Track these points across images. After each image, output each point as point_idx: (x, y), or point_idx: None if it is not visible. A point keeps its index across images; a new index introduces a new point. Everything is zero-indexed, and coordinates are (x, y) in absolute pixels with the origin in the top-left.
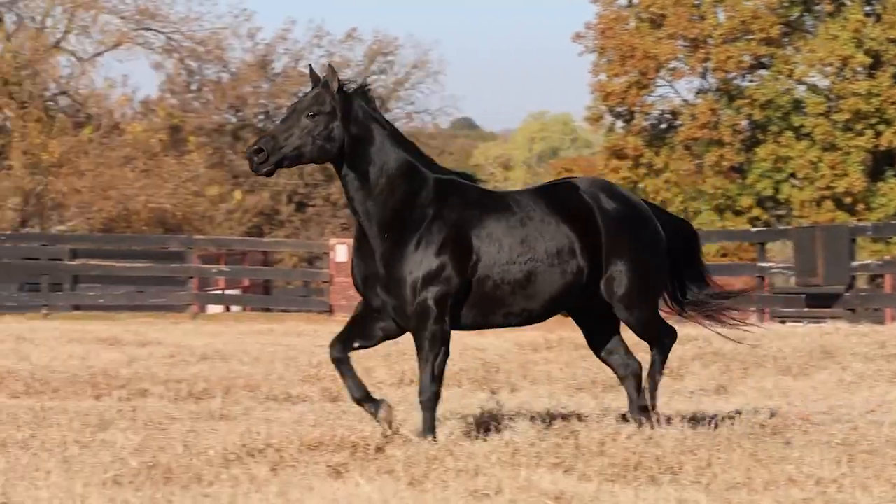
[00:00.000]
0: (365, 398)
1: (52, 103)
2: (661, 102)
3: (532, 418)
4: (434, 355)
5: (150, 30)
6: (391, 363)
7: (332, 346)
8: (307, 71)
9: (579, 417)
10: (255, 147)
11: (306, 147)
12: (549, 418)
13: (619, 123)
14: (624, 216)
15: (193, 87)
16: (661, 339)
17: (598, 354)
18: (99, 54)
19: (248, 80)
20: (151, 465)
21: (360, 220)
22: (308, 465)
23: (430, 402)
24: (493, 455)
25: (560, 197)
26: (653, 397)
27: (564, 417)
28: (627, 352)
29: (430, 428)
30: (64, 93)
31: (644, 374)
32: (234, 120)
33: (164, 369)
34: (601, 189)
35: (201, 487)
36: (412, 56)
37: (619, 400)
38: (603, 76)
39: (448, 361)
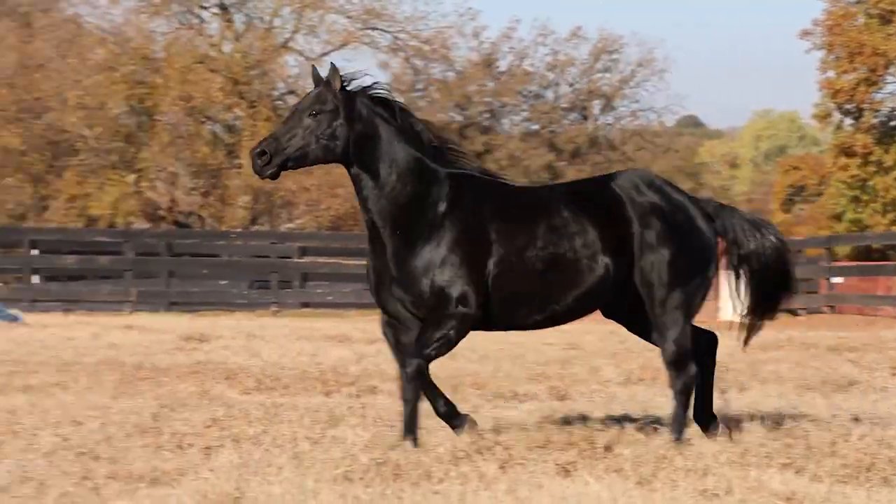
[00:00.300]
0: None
1: (280, 102)
2: (890, 100)
3: (761, 418)
4: (441, 333)
5: (377, 29)
6: (619, 361)
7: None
8: (530, 69)
9: (809, 417)
10: (259, 149)
11: (310, 147)
12: (778, 418)
13: (848, 121)
14: (659, 209)
15: (419, 86)
16: (685, 373)
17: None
18: (326, 54)
19: (473, 79)
20: (381, 462)
21: (374, 218)
22: (536, 463)
23: (414, 373)
24: (723, 455)
25: (587, 191)
26: (675, 430)
27: (794, 417)
28: (702, 330)
29: (425, 399)
30: (292, 92)
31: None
32: (459, 118)
33: (392, 366)
34: (637, 181)
35: (430, 484)
36: (637, 54)
37: (850, 400)
38: (831, 73)
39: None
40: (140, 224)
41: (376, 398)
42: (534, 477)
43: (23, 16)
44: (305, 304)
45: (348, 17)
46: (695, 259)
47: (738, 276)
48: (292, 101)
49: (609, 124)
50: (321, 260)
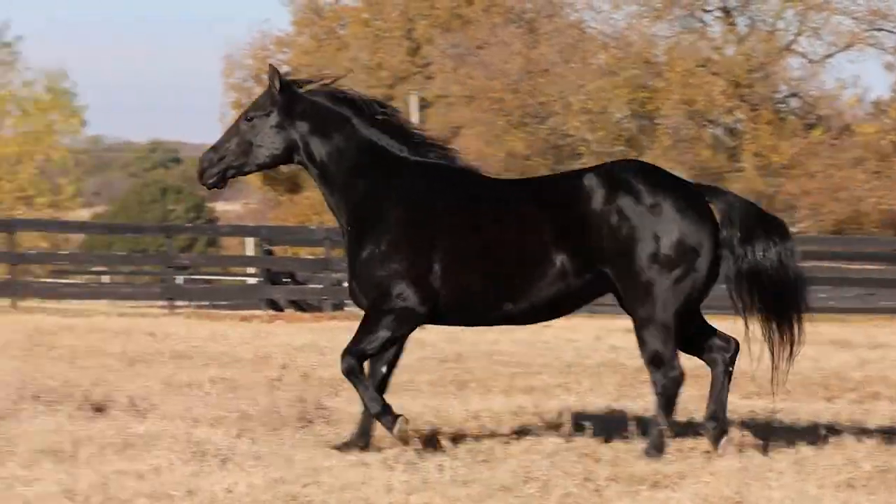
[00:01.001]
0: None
1: (782, 105)
2: None
3: None
4: (378, 328)
5: (882, 30)
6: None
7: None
8: None
9: None
10: (200, 159)
11: (249, 153)
12: None
13: None
14: (630, 203)
15: None
16: (661, 372)
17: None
18: (830, 56)
19: None
20: (884, 470)
21: (334, 214)
22: None
23: (347, 370)
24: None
25: (552, 188)
26: (654, 446)
27: None
28: (718, 334)
29: (366, 400)
30: (794, 94)
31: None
32: None
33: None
34: (616, 177)
35: None
36: None
37: None
38: None
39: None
40: None
41: (878, 404)
42: None
43: (528, 22)
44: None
45: (853, 18)
46: (671, 254)
47: (730, 281)
48: (795, 104)
49: None
50: (823, 264)
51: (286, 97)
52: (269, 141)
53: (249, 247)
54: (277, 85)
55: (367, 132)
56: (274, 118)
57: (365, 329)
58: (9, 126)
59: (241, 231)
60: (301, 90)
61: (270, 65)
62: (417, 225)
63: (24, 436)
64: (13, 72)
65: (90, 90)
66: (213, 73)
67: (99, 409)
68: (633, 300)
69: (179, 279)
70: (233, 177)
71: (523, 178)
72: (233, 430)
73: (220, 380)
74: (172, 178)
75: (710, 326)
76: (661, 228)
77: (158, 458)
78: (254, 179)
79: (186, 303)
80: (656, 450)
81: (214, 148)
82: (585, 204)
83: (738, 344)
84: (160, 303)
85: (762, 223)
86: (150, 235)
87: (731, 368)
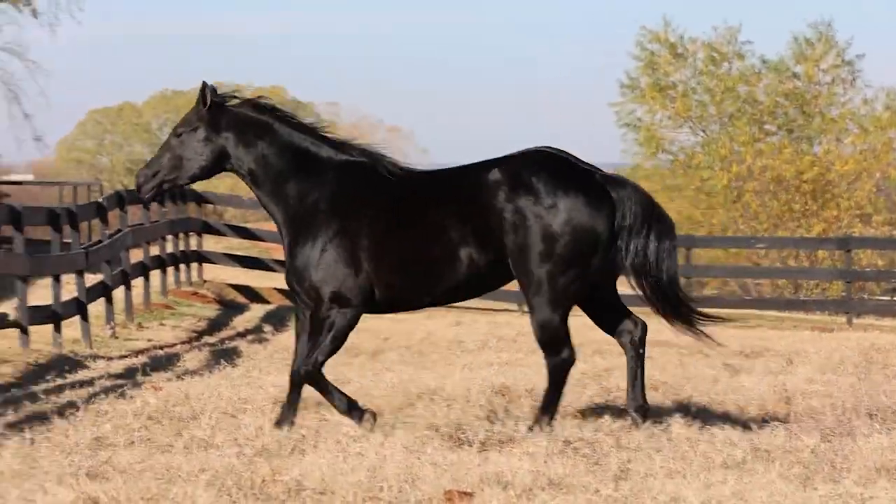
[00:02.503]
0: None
1: None
2: None
3: None
4: (326, 337)
5: None
6: None
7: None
8: None
9: None
10: (136, 175)
11: (181, 167)
12: None
13: None
14: (535, 198)
15: None
16: (556, 355)
17: (597, 323)
18: None
19: None
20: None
21: (271, 218)
22: None
23: (305, 379)
24: None
25: (464, 179)
26: (542, 416)
27: None
28: (629, 316)
29: (288, 407)
30: None
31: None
32: None
33: None
34: (522, 168)
35: None
36: None
37: None
38: None
39: None
40: None
41: None
42: None
43: None
44: None
45: None
46: (564, 241)
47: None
48: None
49: None
50: None
51: (212, 112)
52: (198, 154)
53: None
54: (205, 100)
55: (289, 136)
56: (201, 132)
57: (317, 339)
58: (848, 143)
59: None
60: (227, 104)
61: (203, 82)
62: (350, 226)
63: (857, 453)
64: (853, 90)
65: None
66: None
67: None
68: (528, 290)
69: None
70: (168, 189)
71: (440, 170)
72: None
73: None
74: None
75: (623, 307)
76: (557, 224)
77: None
78: None
79: None
80: (544, 418)
81: (148, 164)
82: (492, 197)
83: (645, 326)
84: None
85: (652, 219)
86: None
87: (641, 350)
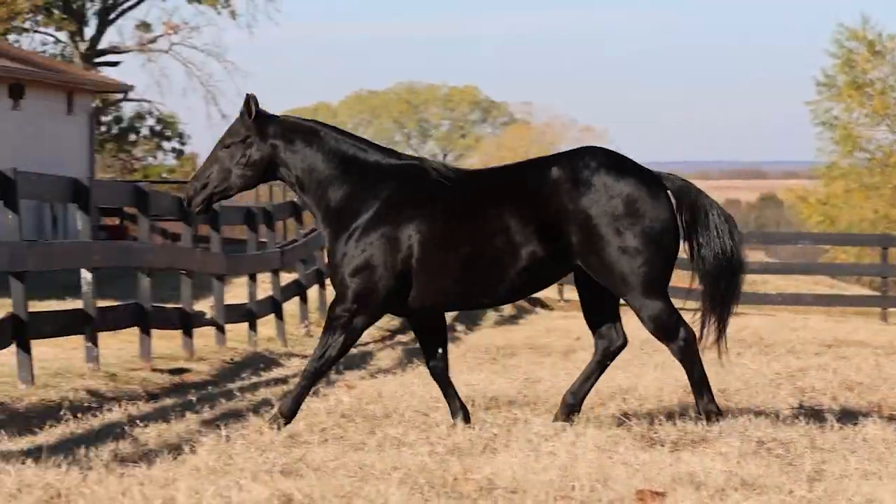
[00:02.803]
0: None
1: None
2: None
3: None
4: (334, 338)
5: None
6: None
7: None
8: None
9: None
10: (186, 188)
11: (229, 178)
12: None
13: None
14: (600, 199)
15: None
16: (675, 338)
17: (588, 324)
18: None
19: None
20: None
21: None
22: None
23: (308, 374)
24: None
25: (521, 177)
26: (699, 404)
27: None
28: (618, 330)
29: (294, 397)
30: None
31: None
32: None
33: None
34: (583, 164)
35: None
36: None
37: None
38: None
39: None
40: None
41: None
42: None
43: None
44: None
45: None
46: (648, 243)
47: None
48: None
49: None
50: None
51: (258, 121)
52: (247, 163)
53: None
54: (251, 111)
55: (336, 142)
56: (252, 142)
57: (326, 337)
58: None
59: None
60: (273, 115)
61: (247, 94)
62: (392, 231)
63: None
64: None
65: None
66: None
67: None
68: (619, 288)
69: None
70: (217, 201)
71: (496, 171)
72: None
73: None
74: None
75: (617, 315)
76: (635, 213)
77: None
78: None
79: None
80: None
81: (196, 177)
82: (557, 192)
83: (625, 343)
84: None
85: (715, 209)
86: None
87: (608, 362)
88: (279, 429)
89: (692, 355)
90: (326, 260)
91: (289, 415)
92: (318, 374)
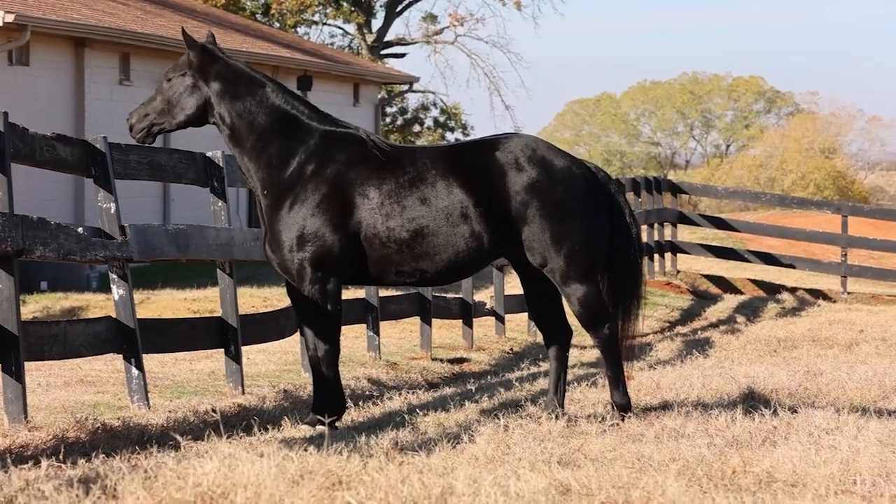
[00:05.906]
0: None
1: None
2: None
3: None
4: (318, 314)
5: None
6: None
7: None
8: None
9: None
10: (129, 115)
11: (170, 110)
12: None
13: None
14: (543, 182)
15: None
16: (599, 326)
17: (532, 316)
18: None
19: None
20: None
21: (245, 175)
22: None
23: (321, 359)
24: None
25: (468, 157)
26: (614, 392)
27: None
28: (562, 321)
29: (328, 391)
30: None
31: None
32: None
33: None
34: (526, 150)
35: None
36: None
37: None
38: None
39: None
40: None
41: None
42: None
43: None
44: None
45: None
46: (585, 228)
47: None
48: None
49: None
50: None
51: (202, 58)
52: (186, 98)
53: None
54: (192, 45)
55: (281, 100)
56: (189, 78)
57: (315, 330)
58: None
59: None
60: (220, 54)
61: (182, 29)
62: (337, 197)
63: None
64: None
65: None
66: None
67: None
68: (554, 273)
69: None
70: (158, 133)
71: (433, 146)
72: None
73: None
74: None
75: (561, 309)
76: (573, 200)
77: None
78: None
79: None
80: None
81: (143, 105)
82: (503, 175)
83: (570, 333)
84: None
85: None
86: None
87: (566, 354)
88: (324, 425)
89: (615, 346)
90: (266, 226)
91: (339, 409)
92: (330, 356)
